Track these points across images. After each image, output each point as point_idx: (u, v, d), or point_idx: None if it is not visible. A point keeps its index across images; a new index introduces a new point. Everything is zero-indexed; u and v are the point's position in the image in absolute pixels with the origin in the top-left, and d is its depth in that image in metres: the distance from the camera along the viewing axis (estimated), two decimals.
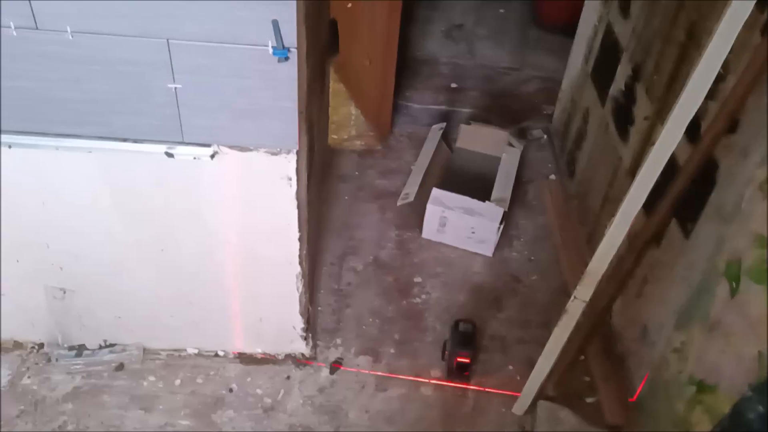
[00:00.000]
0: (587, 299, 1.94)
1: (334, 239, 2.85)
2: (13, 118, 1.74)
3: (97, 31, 1.57)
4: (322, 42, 2.30)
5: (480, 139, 3.15)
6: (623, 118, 2.50)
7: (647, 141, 2.27)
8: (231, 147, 1.83)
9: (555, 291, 2.69)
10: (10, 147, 1.79)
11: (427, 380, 2.36)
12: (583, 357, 2.38)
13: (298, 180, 1.90)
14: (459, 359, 2.31)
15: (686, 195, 1.89)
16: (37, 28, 1.56)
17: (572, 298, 1.95)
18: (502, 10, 4.53)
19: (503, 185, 2.92)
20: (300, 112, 1.76)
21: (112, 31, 1.57)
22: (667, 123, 1.59)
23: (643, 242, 2.03)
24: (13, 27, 1.56)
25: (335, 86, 3.02)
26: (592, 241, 2.65)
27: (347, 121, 3.30)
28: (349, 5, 2.88)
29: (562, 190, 3.12)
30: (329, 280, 2.69)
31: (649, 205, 1.83)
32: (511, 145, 3.15)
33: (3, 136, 1.77)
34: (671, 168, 1.72)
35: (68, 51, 1.60)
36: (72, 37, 1.57)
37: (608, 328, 2.46)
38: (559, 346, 2.04)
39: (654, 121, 2.24)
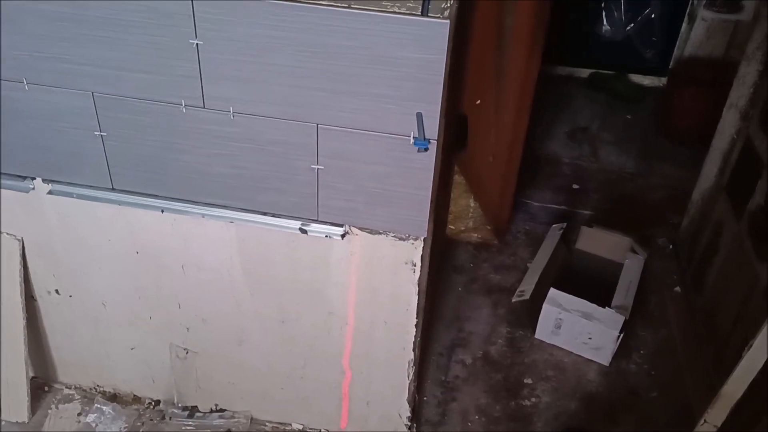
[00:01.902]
0: (719, 424, 1.80)
1: (444, 329, 2.83)
2: (169, 186, 1.90)
3: (255, 113, 1.71)
4: (452, 135, 2.38)
5: (601, 243, 3.07)
6: (762, 234, 2.37)
7: None
8: (361, 229, 1.89)
9: (677, 411, 2.50)
10: (162, 211, 1.94)
11: None
12: None
13: (421, 267, 1.92)
14: None
15: None
16: (204, 108, 1.73)
17: (702, 421, 1.81)
18: (628, 116, 4.51)
19: (625, 293, 2.81)
20: (431, 201, 1.81)
21: (268, 114, 1.71)
22: None
23: None
24: (183, 105, 1.73)
25: (456, 177, 3.09)
26: (720, 361, 2.46)
27: (465, 212, 3.33)
28: (478, 102, 2.98)
29: (688, 305, 2.96)
30: (437, 370, 2.65)
31: None
32: (634, 252, 3.05)
33: (158, 201, 1.93)
34: None
35: (227, 129, 1.75)
36: (233, 117, 1.72)
37: None
38: None
39: None
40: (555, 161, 4.02)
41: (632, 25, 4.50)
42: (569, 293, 2.71)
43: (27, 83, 1.75)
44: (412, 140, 1.67)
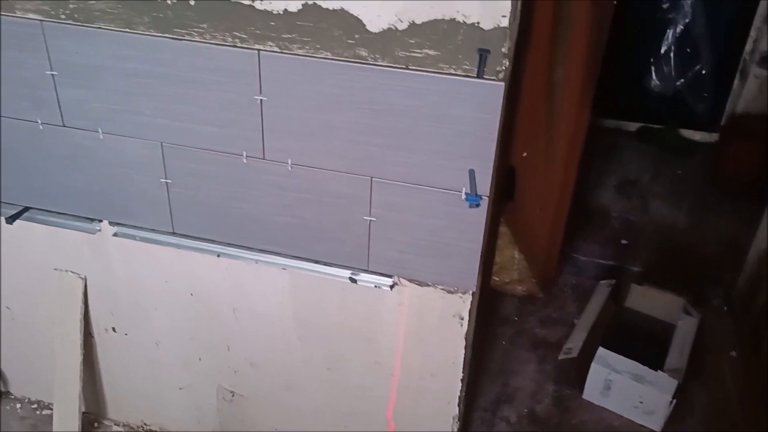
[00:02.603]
0: None
1: (489, 383, 2.80)
2: (227, 233, 1.97)
3: (313, 166, 1.78)
4: (500, 186, 2.41)
5: (652, 302, 3.02)
6: None
7: None
8: (410, 280, 1.92)
9: None
10: (218, 256, 2.01)
11: None
12: None
13: (469, 320, 1.93)
14: None
15: None
16: (264, 159, 1.80)
17: None
18: (679, 171, 4.45)
19: (678, 355, 2.73)
20: (481, 256, 1.83)
21: (325, 167, 1.77)
22: None
23: None
24: (245, 155, 1.81)
25: (501, 228, 3.09)
26: None
27: (510, 264, 3.32)
28: (525, 154, 3.00)
29: (745, 368, 2.86)
30: (481, 426, 2.61)
31: None
32: (687, 312, 2.98)
33: (215, 246, 2.00)
34: None
35: (285, 180, 1.82)
36: (291, 168, 1.79)
37: None
38: None
39: None
40: (604, 214, 3.98)
41: (682, 80, 4.49)
42: (618, 353, 2.65)
43: (102, 133, 1.86)
44: (464, 196, 1.70)
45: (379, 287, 1.94)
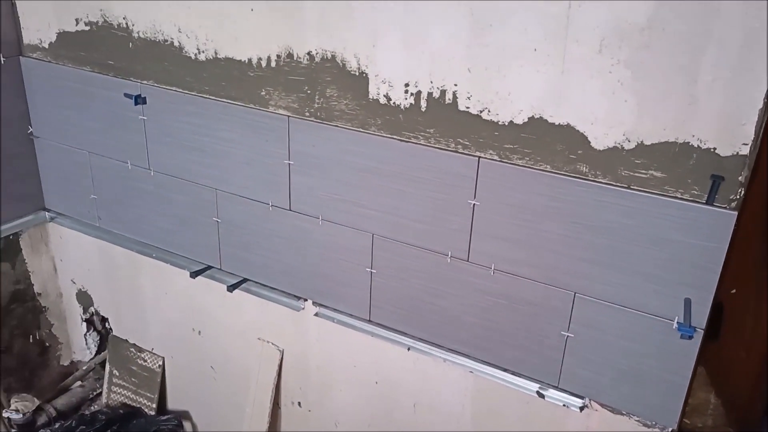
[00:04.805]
0: None
1: None
2: (419, 327, 2.02)
3: (515, 273, 1.79)
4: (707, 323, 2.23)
5: None
6: None
7: None
8: (602, 405, 1.82)
9: None
10: (408, 349, 2.06)
11: None
12: None
13: None
14: None
15: None
16: (467, 261, 1.85)
17: None
18: None
19: None
20: (687, 391, 1.69)
21: (528, 276, 1.77)
22: None
23: None
24: (449, 256, 1.87)
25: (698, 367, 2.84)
26: None
27: (705, 407, 3.01)
28: (733, 291, 2.77)
29: None
30: None
31: None
32: None
33: (406, 339, 2.05)
34: None
35: (486, 284, 1.84)
36: (493, 273, 1.82)
37: None
38: None
39: None
40: None
41: None
42: None
43: (321, 219, 2.03)
44: (675, 325, 1.61)
45: (567, 407, 1.86)
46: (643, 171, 1.51)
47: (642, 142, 1.48)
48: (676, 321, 1.61)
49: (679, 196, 1.49)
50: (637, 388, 1.74)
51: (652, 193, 1.52)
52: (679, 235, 1.52)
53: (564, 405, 1.86)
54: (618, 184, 1.55)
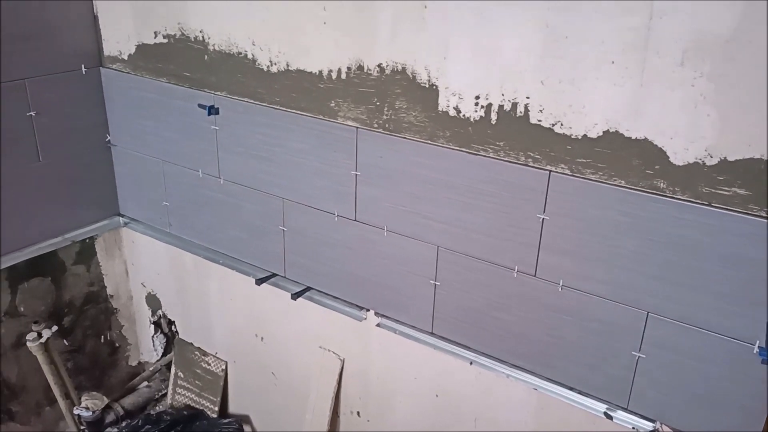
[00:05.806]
0: None
1: None
2: (483, 341, 1.99)
3: (584, 290, 1.75)
4: None
5: None
6: None
7: None
8: (674, 429, 1.75)
9: None
10: (471, 363, 2.04)
11: None
12: None
13: None
14: None
15: None
16: (534, 276, 1.82)
17: None
18: None
19: None
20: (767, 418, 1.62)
21: (598, 293, 1.73)
22: None
23: None
24: (516, 270, 1.85)
25: None
26: None
27: None
28: None
29: None
30: None
31: None
32: None
33: (469, 352, 2.03)
34: None
35: (553, 300, 1.81)
36: (561, 289, 1.79)
37: None
38: None
39: None
40: None
41: None
42: None
43: (386, 230, 2.04)
44: (756, 349, 1.54)
45: (636, 430, 1.80)
46: (726, 188, 1.45)
47: (725, 158, 1.43)
48: (757, 345, 1.54)
49: (765, 215, 1.43)
50: (712, 413, 1.67)
51: (735, 211, 1.46)
52: (761, 254, 1.45)
53: (633, 428, 1.80)
54: (698, 201, 1.50)
